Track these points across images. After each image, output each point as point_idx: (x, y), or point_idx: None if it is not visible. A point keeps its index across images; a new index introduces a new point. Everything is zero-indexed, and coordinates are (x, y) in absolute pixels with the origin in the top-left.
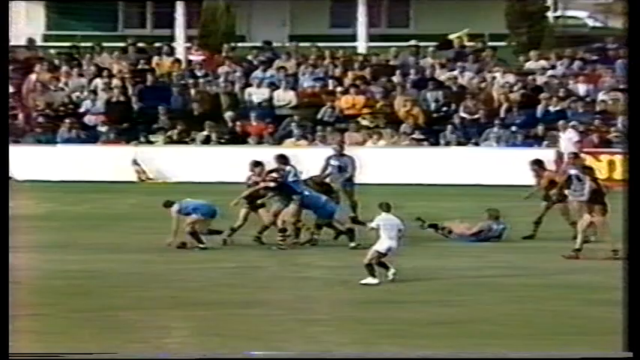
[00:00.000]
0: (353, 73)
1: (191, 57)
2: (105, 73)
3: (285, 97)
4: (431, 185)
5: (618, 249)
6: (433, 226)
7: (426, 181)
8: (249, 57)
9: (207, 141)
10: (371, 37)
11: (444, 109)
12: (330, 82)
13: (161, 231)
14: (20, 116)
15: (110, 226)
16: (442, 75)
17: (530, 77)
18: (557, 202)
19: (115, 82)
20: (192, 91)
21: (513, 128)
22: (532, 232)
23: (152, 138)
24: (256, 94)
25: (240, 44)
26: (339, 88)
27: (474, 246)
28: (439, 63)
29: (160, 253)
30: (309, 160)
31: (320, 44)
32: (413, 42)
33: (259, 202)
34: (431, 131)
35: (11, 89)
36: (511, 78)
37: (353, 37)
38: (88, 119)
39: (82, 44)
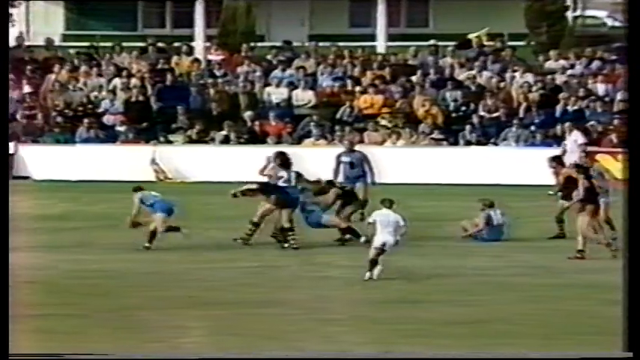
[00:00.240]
0: (372, 72)
1: (210, 57)
2: (124, 72)
3: (304, 96)
4: (449, 185)
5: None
6: None
7: (445, 181)
8: (269, 56)
9: (226, 141)
10: (390, 37)
11: (463, 108)
12: (349, 81)
13: None
14: (39, 116)
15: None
16: (461, 75)
17: (549, 77)
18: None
19: (134, 81)
20: (211, 91)
21: (532, 128)
22: (559, 232)
23: (171, 138)
24: (275, 94)
25: (259, 44)
26: (357, 88)
27: (491, 245)
28: (458, 62)
29: (178, 252)
30: (328, 159)
31: (339, 44)
32: (432, 42)
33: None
34: (449, 131)
35: (29, 89)
36: (530, 78)
37: (372, 37)
38: (107, 119)
39: (101, 44)
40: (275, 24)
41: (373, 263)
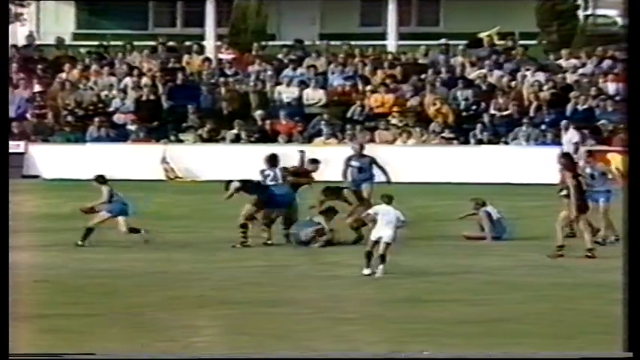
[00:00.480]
0: (383, 71)
1: (221, 55)
2: (135, 71)
3: (314, 95)
4: (460, 184)
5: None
6: None
7: (455, 180)
8: (280, 55)
9: (236, 140)
10: (401, 36)
11: (474, 107)
12: (360, 80)
13: (189, 230)
14: (49, 115)
15: (138, 226)
16: (472, 74)
17: (560, 76)
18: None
19: (145, 80)
20: (222, 90)
21: (543, 127)
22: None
23: (182, 136)
24: (286, 93)
25: (270, 43)
26: (368, 87)
27: (502, 245)
28: (469, 61)
29: (188, 251)
30: (339, 158)
31: (350, 42)
32: (443, 40)
33: None
34: (460, 130)
35: (40, 88)
36: (541, 76)
37: (383, 36)
38: (118, 118)
39: (112, 43)
40: (286, 23)
41: (369, 255)
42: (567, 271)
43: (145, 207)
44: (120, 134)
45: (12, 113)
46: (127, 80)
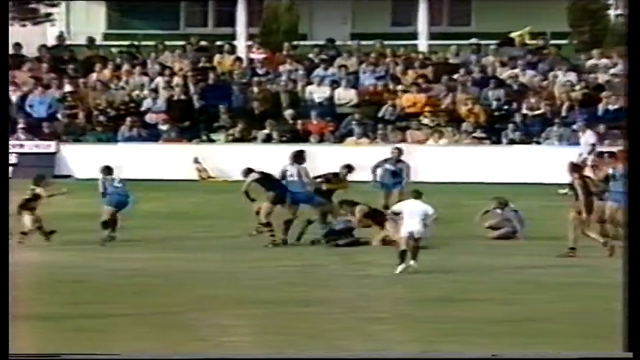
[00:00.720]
0: (414, 71)
1: (252, 55)
2: (166, 71)
3: (346, 95)
4: (492, 184)
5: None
6: None
7: (487, 180)
8: (311, 55)
9: (268, 139)
10: (432, 35)
11: (505, 107)
12: (391, 80)
13: (222, 229)
14: (81, 115)
15: (171, 225)
16: (504, 73)
17: (591, 75)
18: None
19: (177, 80)
20: (254, 90)
21: (575, 127)
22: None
23: (213, 136)
24: (317, 93)
25: (301, 42)
26: (399, 87)
27: (534, 244)
28: (500, 61)
29: (221, 251)
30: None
31: (381, 42)
32: (474, 40)
33: None
34: (492, 130)
35: (71, 88)
36: (573, 76)
37: (414, 35)
38: (149, 118)
39: (143, 43)
40: (317, 22)
41: (403, 254)
42: (597, 270)
43: (178, 207)
44: (151, 134)
45: (43, 113)
46: (159, 80)
